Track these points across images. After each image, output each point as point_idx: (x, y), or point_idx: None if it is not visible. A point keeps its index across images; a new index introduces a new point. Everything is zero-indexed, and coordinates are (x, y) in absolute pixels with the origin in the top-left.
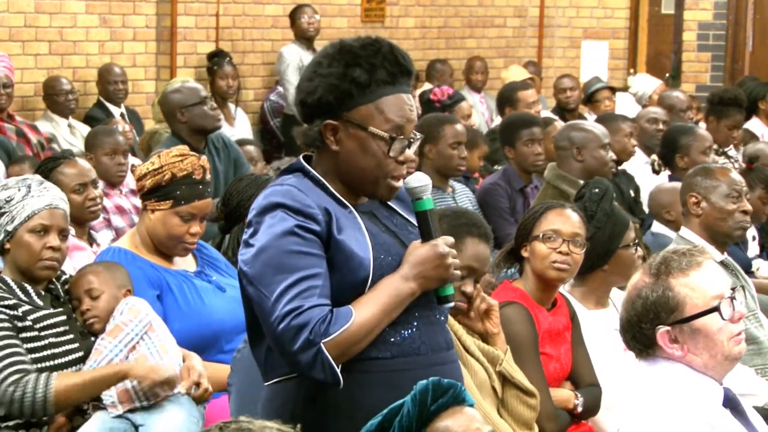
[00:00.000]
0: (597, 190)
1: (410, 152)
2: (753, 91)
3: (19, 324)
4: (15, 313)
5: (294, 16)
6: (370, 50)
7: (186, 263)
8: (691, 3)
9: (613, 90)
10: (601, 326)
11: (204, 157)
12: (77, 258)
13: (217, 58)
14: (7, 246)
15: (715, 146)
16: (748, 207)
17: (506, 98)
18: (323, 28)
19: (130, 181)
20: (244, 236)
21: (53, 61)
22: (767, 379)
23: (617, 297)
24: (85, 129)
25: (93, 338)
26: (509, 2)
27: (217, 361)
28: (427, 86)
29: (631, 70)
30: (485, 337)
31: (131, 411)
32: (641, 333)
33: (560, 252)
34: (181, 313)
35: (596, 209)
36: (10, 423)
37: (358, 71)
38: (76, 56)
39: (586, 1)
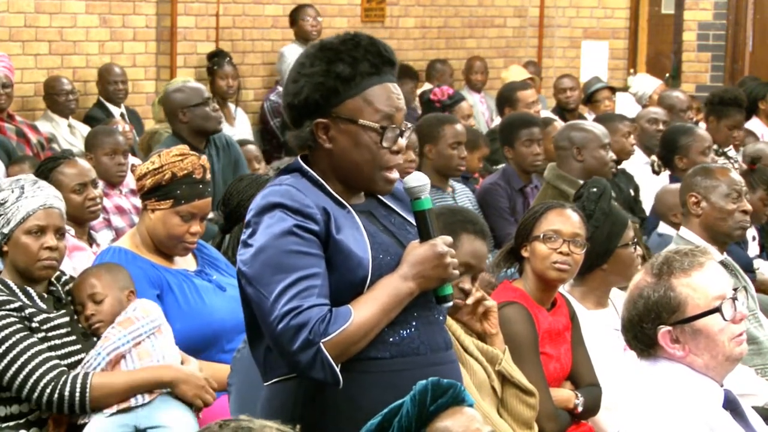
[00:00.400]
0: (595, 190)
1: (403, 141)
2: (753, 91)
3: (29, 325)
4: (23, 314)
5: (295, 16)
6: (350, 44)
7: (186, 263)
8: (691, 3)
9: (613, 90)
10: (600, 326)
11: (204, 157)
12: (77, 258)
13: (217, 58)
14: (5, 248)
15: (714, 146)
16: (748, 207)
17: (506, 98)
18: (323, 28)
19: (130, 181)
20: (243, 236)
21: (53, 61)
22: (767, 379)
23: (617, 297)
24: (85, 129)
25: (95, 339)
26: (509, 2)
27: (218, 360)
28: (427, 86)
29: (631, 70)
30: (483, 338)
31: (125, 411)
32: (642, 333)
33: (561, 252)
34: (182, 313)
35: (594, 208)
36: (11, 423)
37: (341, 66)
38: (76, 56)
39: (586, 1)
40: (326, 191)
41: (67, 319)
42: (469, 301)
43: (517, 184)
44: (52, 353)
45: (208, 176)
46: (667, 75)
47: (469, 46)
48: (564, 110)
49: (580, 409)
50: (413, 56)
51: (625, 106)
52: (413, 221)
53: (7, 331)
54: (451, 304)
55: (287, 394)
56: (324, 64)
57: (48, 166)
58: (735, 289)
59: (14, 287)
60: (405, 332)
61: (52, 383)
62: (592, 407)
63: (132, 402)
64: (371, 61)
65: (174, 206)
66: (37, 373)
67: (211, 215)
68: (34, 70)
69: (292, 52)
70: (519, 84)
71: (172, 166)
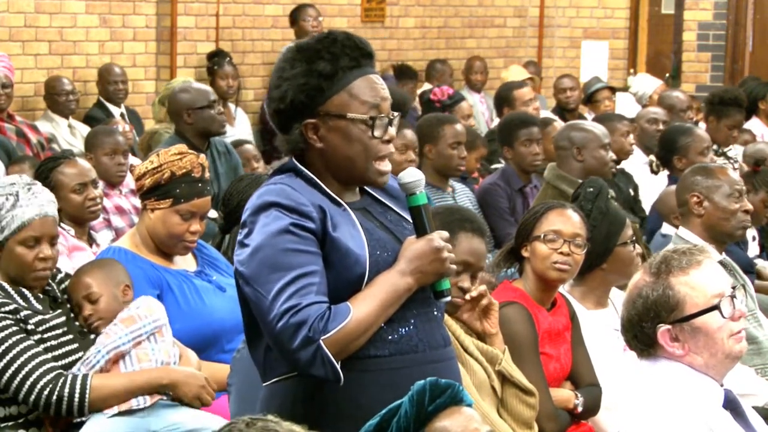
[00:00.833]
0: (591, 189)
1: (392, 130)
2: (753, 91)
3: (25, 327)
4: (18, 317)
5: (296, 16)
6: (326, 42)
7: (186, 263)
8: (691, 3)
9: (613, 90)
10: (600, 326)
11: (203, 156)
12: (77, 258)
13: (217, 58)
14: None
15: (714, 146)
16: (749, 206)
17: (503, 98)
18: (323, 28)
19: (130, 182)
20: (239, 236)
21: (53, 61)
22: (767, 379)
23: (617, 297)
24: (85, 129)
25: (93, 336)
26: (509, 2)
27: (218, 360)
28: (427, 86)
29: (631, 70)
30: (483, 337)
31: (126, 413)
32: (642, 332)
33: (561, 252)
34: (182, 313)
35: (591, 208)
36: (10, 423)
37: (322, 64)
38: (76, 56)
39: (586, 1)
40: (321, 189)
41: (63, 319)
42: (472, 294)
43: (516, 184)
44: (49, 355)
45: (207, 175)
46: (667, 75)
47: (469, 46)
48: (564, 110)
49: (580, 409)
50: (413, 56)
51: (625, 106)
52: (409, 218)
53: (2, 334)
54: (448, 299)
55: (286, 393)
56: (304, 64)
57: (48, 166)
58: (734, 287)
59: (9, 288)
60: (404, 330)
61: (50, 385)
62: (592, 407)
63: (133, 404)
64: (350, 55)
65: (173, 205)
66: (35, 376)
67: (214, 215)
68: (34, 70)
69: None
70: (515, 83)
71: (171, 165)
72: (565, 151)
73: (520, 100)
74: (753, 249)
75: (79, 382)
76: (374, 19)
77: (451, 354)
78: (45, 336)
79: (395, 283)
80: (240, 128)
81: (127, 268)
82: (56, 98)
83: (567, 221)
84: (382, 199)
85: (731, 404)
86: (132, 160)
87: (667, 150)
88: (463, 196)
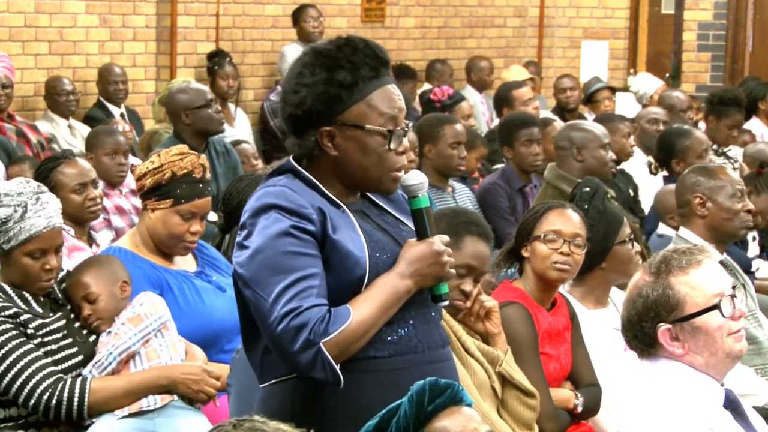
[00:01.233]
0: (587, 189)
1: (406, 141)
2: (753, 91)
3: (25, 332)
4: (18, 321)
5: (297, 17)
6: (347, 50)
7: (186, 263)
8: (691, 3)
9: (613, 90)
10: (600, 326)
11: (203, 156)
12: (77, 258)
13: (217, 58)
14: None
15: (714, 146)
16: (751, 206)
17: (503, 98)
18: (325, 29)
19: (130, 182)
20: (238, 238)
21: (53, 61)
22: (767, 379)
23: (617, 296)
24: (85, 129)
25: (94, 338)
26: (509, 2)
27: (218, 360)
28: (427, 86)
29: (631, 70)
30: (486, 338)
31: (136, 415)
32: (642, 332)
33: (561, 252)
34: (182, 313)
35: (588, 207)
36: (10, 424)
37: (343, 73)
38: (76, 56)
39: (586, 1)
40: (320, 191)
41: (63, 322)
42: (469, 303)
43: (516, 184)
44: (49, 359)
45: (208, 175)
46: (667, 75)
47: (469, 46)
48: (564, 110)
49: (580, 409)
50: (413, 56)
51: (625, 106)
52: (405, 220)
53: (2, 338)
54: (446, 303)
55: (285, 394)
56: (324, 72)
57: (48, 166)
58: (734, 287)
59: (10, 291)
60: (403, 331)
61: (50, 389)
62: (592, 407)
63: (144, 404)
64: (370, 64)
65: (174, 205)
66: (34, 380)
67: (214, 218)
68: (34, 70)
69: (294, 51)
70: (515, 83)
71: (172, 165)
72: (565, 151)
73: (519, 100)
74: (753, 249)
75: (78, 385)
76: (374, 19)
77: (449, 354)
78: (45, 340)
79: (395, 286)
80: (240, 128)
81: (127, 268)
82: (56, 98)
83: (567, 221)
84: (379, 202)
85: (732, 404)
86: (132, 160)
87: (666, 152)
88: (463, 196)
